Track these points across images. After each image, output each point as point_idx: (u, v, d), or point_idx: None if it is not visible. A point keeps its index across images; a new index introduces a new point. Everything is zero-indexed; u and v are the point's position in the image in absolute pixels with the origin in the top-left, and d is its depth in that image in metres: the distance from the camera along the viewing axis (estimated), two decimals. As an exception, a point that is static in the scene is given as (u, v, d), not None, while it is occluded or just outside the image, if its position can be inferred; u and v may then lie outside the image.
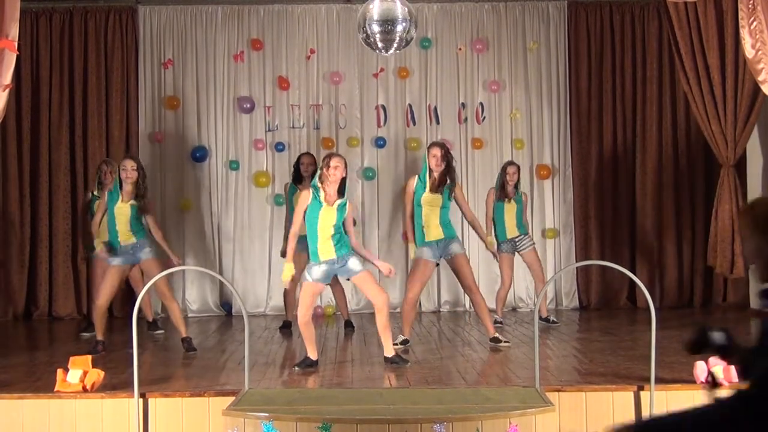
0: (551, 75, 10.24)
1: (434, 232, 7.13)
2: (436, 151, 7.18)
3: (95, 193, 8.37)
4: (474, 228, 7.49)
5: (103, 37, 9.95)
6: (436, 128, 10.20)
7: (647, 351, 5.35)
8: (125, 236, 7.20)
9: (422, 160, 7.43)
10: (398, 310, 9.75)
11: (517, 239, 8.48)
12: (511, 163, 8.71)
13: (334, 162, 6.30)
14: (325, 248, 6.29)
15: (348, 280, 6.52)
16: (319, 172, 6.38)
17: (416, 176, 7.30)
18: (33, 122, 9.88)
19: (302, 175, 8.38)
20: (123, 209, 7.19)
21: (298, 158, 8.58)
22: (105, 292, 7.20)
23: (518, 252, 8.53)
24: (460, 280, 7.31)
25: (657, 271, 10.07)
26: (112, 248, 7.20)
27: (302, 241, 8.28)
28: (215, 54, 10.11)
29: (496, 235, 8.53)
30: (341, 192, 6.33)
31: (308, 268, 6.38)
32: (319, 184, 6.30)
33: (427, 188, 7.13)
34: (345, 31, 10.10)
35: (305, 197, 6.33)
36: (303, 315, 6.32)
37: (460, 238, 7.74)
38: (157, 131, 10.05)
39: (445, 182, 7.15)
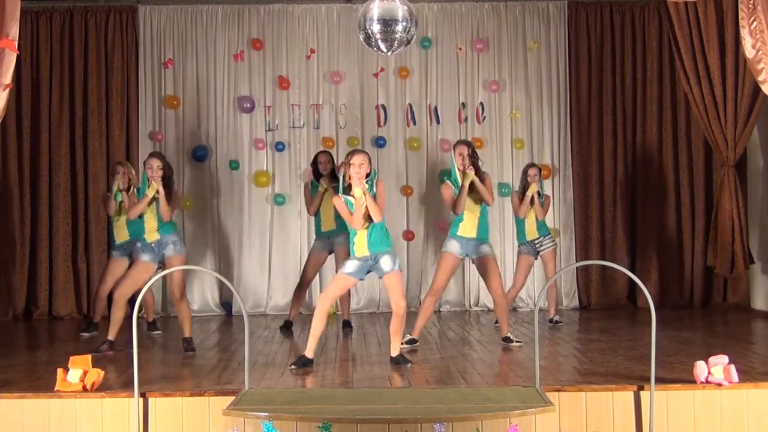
0: (551, 75, 10.24)
1: (469, 229, 7.18)
2: (463, 150, 7.19)
3: (114, 185, 8.31)
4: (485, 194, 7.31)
5: (103, 37, 9.96)
6: (437, 128, 10.21)
7: (647, 351, 5.35)
8: (151, 234, 7.17)
9: (450, 161, 7.42)
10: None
11: (536, 241, 8.49)
12: (531, 165, 8.66)
13: (357, 159, 6.26)
14: (359, 244, 6.31)
15: (380, 278, 6.51)
16: (342, 172, 6.36)
17: (446, 181, 7.27)
18: (33, 122, 9.88)
19: (321, 173, 8.39)
20: (151, 208, 7.16)
21: (316, 157, 8.56)
22: (128, 283, 7.13)
23: (540, 253, 8.53)
24: (487, 283, 7.34)
25: (657, 271, 10.07)
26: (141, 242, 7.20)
27: (322, 239, 8.36)
28: (215, 54, 10.11)
29: (516, 237, 8.64)
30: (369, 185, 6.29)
31: (345, 262, 6.50)
32: (346, 184, 6.27)
33: (459, 185, 7.15)
34: (345, 30, 10.11)
35: (339, 201, 6.30)
36: (324, 303, 6.35)
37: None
38: (157, 131, 10.05)
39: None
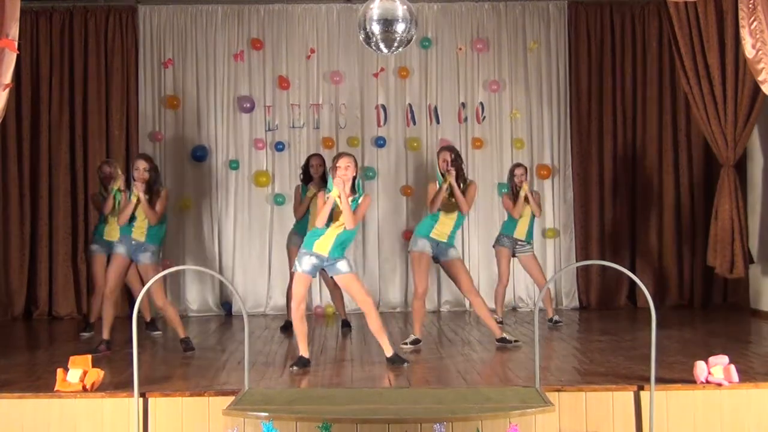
0: (551, 75, 10.24)
1: (443, 232, 7.19)
2: (446, 155, 7.23)
3: (102, 193, 8.37)
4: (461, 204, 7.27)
5: (103, 37, 9.96)
6: (436, 128, 10.21)
7: (647, 351, 5.34)
8: (139, 234, 7.20)
9: (435, 165, 7.43)
10: (398, 309, 9.85)
11: (520, 241, 8.49)
12: (518, 165, 8.66)
13: (344, 162, 6.30)
14: (324, 243, 6.31)
15: (331, 277, 6.53)
16: (330, 173, 6.38)
17: (434, 183, 7.32)
18: (33, 122, 9.88)
19: (312, 176, 8.38)
20: (139, 210, 7.18)
21: (307, 159, 8.57)
22: (111, 278, 7.17)
23: (516, 255, 8.54)
24: (458, 285, 7.35)
25: (657, 271, 10.07)
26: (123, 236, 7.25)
27: (300, 236, 8.33)
28: (215, 54, 10.11)
29: (502, 228, 8.62)
30: (354, 190, 6.33)
31: (299, 256, 6.39)
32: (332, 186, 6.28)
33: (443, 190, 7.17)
34: (345, 30, 10.11)
35: (321, 199, 6.32)
36: (297, 308, 6.36)
37: (459, 243, 7.70)
38: (157, 131, 10.05)
39: (458, 185, 7.17)
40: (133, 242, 7.21)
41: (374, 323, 6.40)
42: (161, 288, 7.25)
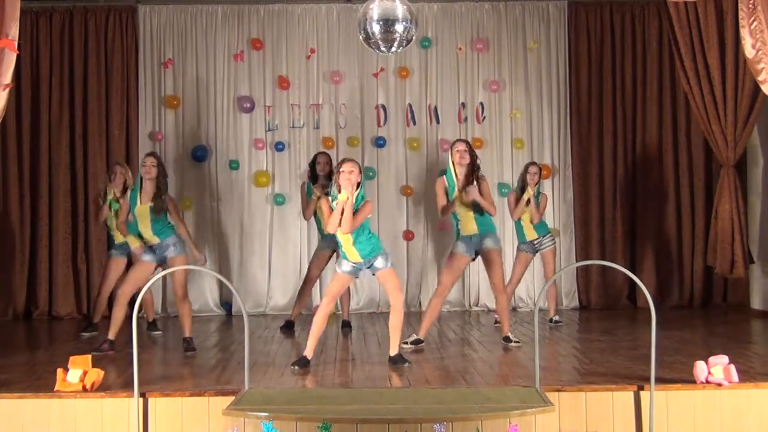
0: (551, 75, 10.24)
1: (469, 227, 7.18)
2: (461, 146, 7.21)
3: (109, 192, 8.34)
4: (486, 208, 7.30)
5: (103, 37, 9.96)
6: (437, 128, 10.21)
7: (647, 351, 5.35)
8: (149, 237, 7.23)
9: (447, 159, 7.40)
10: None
11: (536, 241, 8.50)
12: (532, 163, 8.66)
13: (347, 167, 6.26)
14: (350, 252, 6.35)
15: (373, 275, 6.53)
16: (333, 178, 6.37)
17: (442, 176, 7.28)
18: (33, 122, 9.88)
19: (318, 174, 8.38)
20: (142, 211, 7.18)
21: (314, 158, 8.56)
22: (131, 281, 7.17)
23: (539, 251, 8.55)
24: (489, 276, 7.35)
25: (657, 271, 10.07)
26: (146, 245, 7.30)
27: (327, 239, 8.31)
28: (215, 54, 10.12)
29: (517, 236, 8.69)
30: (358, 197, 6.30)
31: (339, 260, 6.52)
32: (336, 192, 6.27)
33: (456, 188, 7.16)
34: (345, 30, 10.11)
35: (326, 206, 6.32)
36: (326, 305, 6.41)
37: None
38: (157, 131, 10.05)
39: (471, 181, 7.16)
40: (154, 247, 7.22)
41: (396, 319, 6.46)
42: (182, 283, 7.28)
